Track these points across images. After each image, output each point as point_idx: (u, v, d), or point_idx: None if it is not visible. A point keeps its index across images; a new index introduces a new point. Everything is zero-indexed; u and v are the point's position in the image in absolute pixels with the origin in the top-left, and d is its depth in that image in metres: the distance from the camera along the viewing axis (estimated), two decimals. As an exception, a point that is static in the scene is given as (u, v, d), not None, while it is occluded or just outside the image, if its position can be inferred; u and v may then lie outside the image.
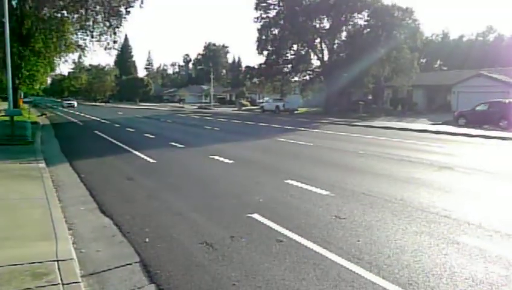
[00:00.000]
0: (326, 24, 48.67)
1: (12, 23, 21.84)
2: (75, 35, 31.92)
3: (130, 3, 29.58)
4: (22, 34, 27.61)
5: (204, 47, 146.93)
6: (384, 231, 6.02)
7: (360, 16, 47.20)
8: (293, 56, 51.44)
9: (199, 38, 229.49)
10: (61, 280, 4.22)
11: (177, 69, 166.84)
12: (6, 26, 17.19)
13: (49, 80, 77.37)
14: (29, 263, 4.54)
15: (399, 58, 43.70)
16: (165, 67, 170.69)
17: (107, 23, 29.86)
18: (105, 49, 31.43)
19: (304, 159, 13.31)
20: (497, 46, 68.98)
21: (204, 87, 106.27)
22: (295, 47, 51.16)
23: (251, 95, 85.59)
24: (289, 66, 51.83)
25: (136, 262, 5.02)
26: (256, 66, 53.26)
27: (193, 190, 8.71)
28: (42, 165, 11.10)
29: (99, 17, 29.71)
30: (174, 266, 4.88)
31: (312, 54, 51.77)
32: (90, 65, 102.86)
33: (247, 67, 57.31)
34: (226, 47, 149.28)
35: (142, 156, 13.44)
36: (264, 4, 49.71)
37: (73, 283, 4.21)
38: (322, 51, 50.36)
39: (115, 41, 31.51)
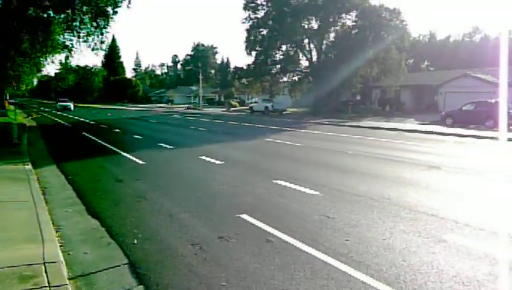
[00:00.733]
0: (314, 25, 49.01)
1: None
2: (61, 36, 31.54)
3: (117, 4, 29.28)
4: (7, 34, 27.20)
5: (193, 47, 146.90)
6: (372, 230, 6.06)
7: (348, 16, 47.66)
8: (281, 56, 51.62)
9: (187, 39, 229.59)
10: (48, 282, 4.18)
11: (165, 70, 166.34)
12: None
13: (35, 81, 76.42)
14: (16, 266, 4.49)
15: (387, 59, 44.19)
16: (154, 68, 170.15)
17: (94, 24, 29.52)
18: (93, 49, 31.01)
19: (293, 159, 13.35)
20: (483, 46, 69.80)
21: (193, 88, 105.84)
22: (284, 47, 51.38)
23: (240, 95, 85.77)
24: (278, 66, 52.03)
25: (124, 264, 4.99)
26: (245, 67, 53.36)
27: (182, 191, 8.67)
28: (29, 167, 10.97)
29: (86, 18, 29.39)
30: (163, 267, 4.86)
31: (301, 55, 52.06)
32: (77, 66, 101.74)
33: (236, 67, 57.60)
34: (215, 47, 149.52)
35: (131, 157, 13.36)
36: (253, 5, 49.84)
37: (61, 285, 4.17)
38: (310, 51, 50.65)
39: (102, 42, 31.12)
